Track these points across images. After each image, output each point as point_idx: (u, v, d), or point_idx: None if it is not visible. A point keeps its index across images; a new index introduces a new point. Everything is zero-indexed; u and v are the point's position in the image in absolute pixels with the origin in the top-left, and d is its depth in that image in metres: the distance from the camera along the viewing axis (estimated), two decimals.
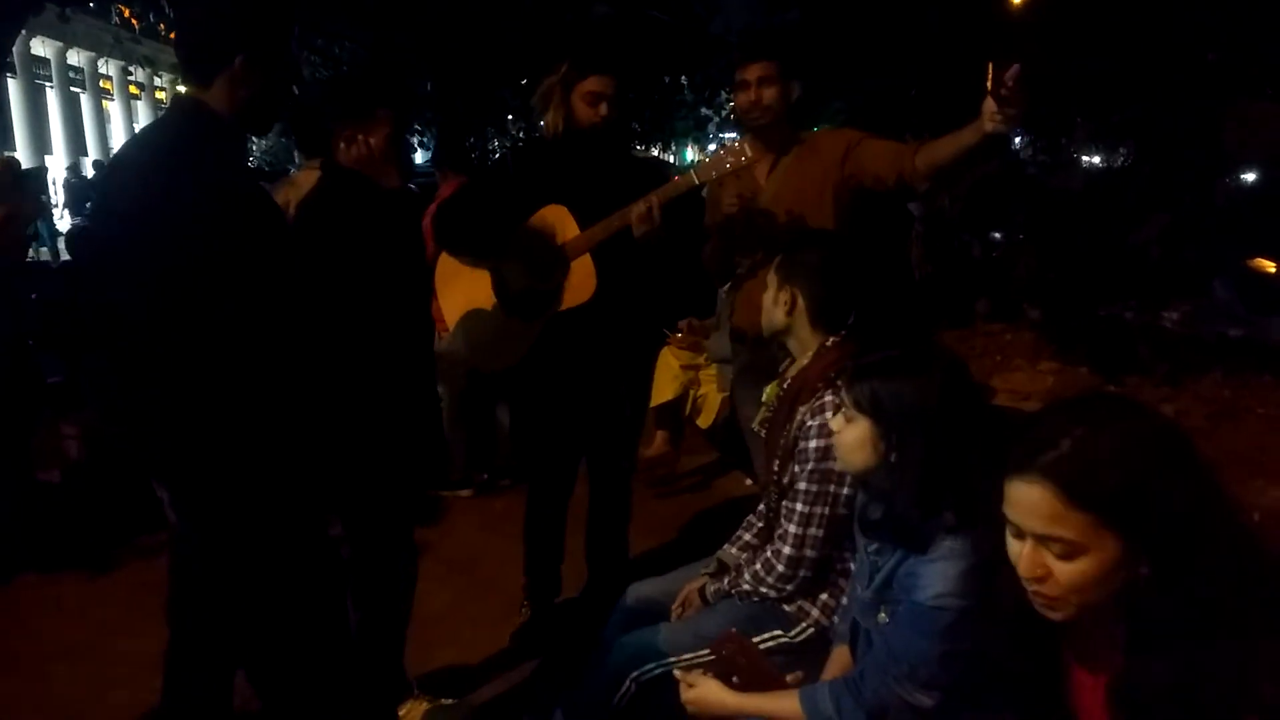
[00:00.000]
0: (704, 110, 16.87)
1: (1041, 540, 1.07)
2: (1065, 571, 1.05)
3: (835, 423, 1.67)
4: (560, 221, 2.54)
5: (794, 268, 2.04)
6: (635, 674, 1.91)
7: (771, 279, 2.09)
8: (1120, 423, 1.07)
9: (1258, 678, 0.97)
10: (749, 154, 2.45)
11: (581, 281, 2.54)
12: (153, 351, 1.61)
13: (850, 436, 1.61)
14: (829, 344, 2.01)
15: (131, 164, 1.74)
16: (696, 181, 2.51)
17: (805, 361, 2.03)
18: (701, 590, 2.08)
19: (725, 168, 2.49)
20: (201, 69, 1.68)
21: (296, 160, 4.41)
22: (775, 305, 2.05)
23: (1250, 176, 10.92)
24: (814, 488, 1.91)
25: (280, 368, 1.68)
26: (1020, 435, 1.11)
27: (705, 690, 1.67)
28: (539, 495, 2.88)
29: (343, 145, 2.16)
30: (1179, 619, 1.01)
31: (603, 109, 2.53)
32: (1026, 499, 1.07)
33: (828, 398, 1.92)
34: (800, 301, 2.02)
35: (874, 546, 1.63)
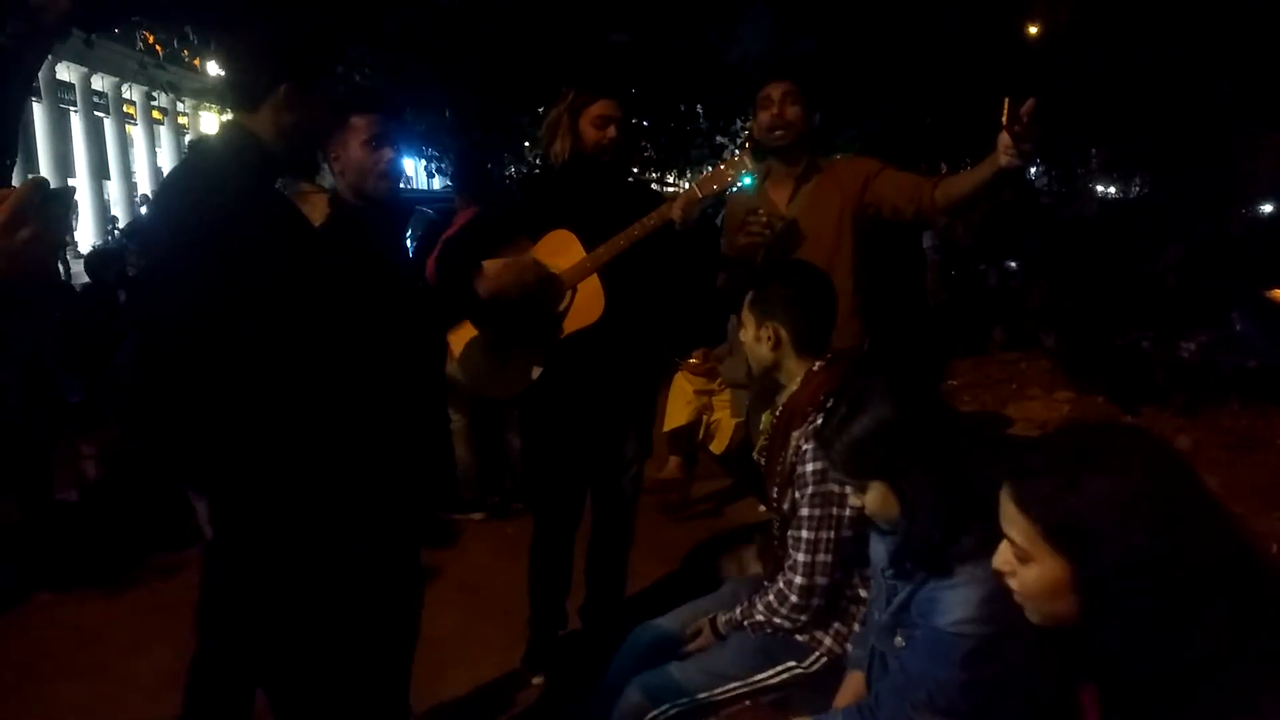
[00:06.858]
0: (719, 139, 16.91)
1: (1009, 539, 1.13)
2: (1022, 574, 1.12)
3: (855, 499, 1.69)
4: (565, 245, 2.53)
5: (768, 304, 2.04)
6: (651, 715, 1.89)
7: (748, 319, 2.07)
8: (1111, 460, 1.06)
9: None
10: (749, 164, 2.47)
11: (588, 304, 2.52)
12: (196, 365, 1.64)
13: (873, 500, 1.61)
14: (816, 368, 2.02)
15: (178, 185, 1.82)
16: (699, 195, 2.50)
17: (794, 388, 2.03)
18: (713, 620, 2.05)
19: (726, 181, 2.49)
20: (248, 95, 1.74)
21: None
22: (759, 343, 2.05)
23: (1267, 207, 10.91)
24: (816, 512, 1.90)
25: (312, 384, 1.71)
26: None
27: None
28: (546, 525, 2.84)
29: (333, 161, 2.20)
30: (1130, 668, 1.02)
31: (611, 131, 2.54)
32: (1002, 496, 1.14)
33: (820, 421, 1.92)
34: (783, 334, 2.02)
35: (891, 570, 1.62)
